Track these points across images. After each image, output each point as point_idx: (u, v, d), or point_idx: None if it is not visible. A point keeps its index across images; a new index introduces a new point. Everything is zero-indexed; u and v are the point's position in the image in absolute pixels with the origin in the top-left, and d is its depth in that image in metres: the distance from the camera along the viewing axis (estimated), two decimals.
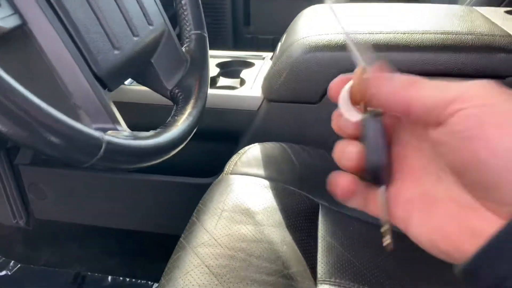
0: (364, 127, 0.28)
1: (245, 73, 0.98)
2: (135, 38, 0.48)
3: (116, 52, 0.44)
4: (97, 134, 0.36)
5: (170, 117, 0.51)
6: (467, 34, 0.76)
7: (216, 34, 1.74)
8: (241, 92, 0.92)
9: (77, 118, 0.40)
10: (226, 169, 0.78)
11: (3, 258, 1.13)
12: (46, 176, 0.99)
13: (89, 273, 1.09)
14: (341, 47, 0.78)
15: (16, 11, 0.36)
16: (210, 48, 1.10)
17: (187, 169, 0.98)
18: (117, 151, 0.38)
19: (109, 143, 0.36)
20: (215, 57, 1.07)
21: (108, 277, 1.08)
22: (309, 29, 0.86)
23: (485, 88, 0.23)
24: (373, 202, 0.29)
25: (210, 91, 0.92)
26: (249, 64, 1.03)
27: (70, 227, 1.07)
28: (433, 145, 0.26)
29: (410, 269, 0.61)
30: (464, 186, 0.24)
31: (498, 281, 0.21)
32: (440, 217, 0.25)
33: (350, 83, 0.28)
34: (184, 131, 0.48)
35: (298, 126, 0.86)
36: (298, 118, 0.85)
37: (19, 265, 1.12)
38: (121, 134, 0.40)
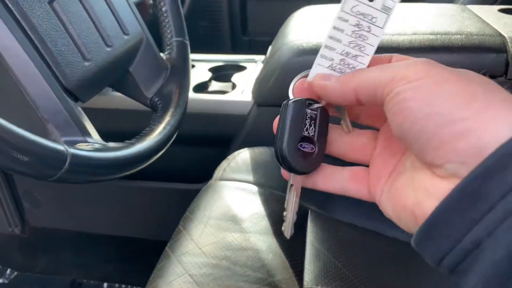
0: (281, 112, 0.29)
1: (236, 77, 0.98)
2: (108, 49, 0.47)
3: (86, 63, 0.44)
4: (61, 147, 0.35)
5: (147, 127, 0.51)
6: (457, 34, 0.75)
7: (213, 37, 1.74)
8: (231, 96, 0.91)
9: (45, 131, 0.39)
10: (215, 175, 0.77)
11: (0, 266, 1.14)
12: (40, 184, 0.99)
13: (85, 280, 1.09)
14: None
15: None
16: (207, 52, 1.09)
17: (181, 175, 0.98)
18: (83, 164, 0.37)
19: (74, 156, 0.36)
20: (208, 61, 1.06)
21: (104, 284, 1.09)
22: (300, 31, 0.85)
23: (417, 67, 0.25)
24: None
25: (200, 96, 0.91)
26: (241, 68, 1.03)
27: (66, 234, 1.07)
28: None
29: (398, 276, 0.60)
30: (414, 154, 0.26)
31: (441, 255, 0.23)
32: (400, 186, 0.27)
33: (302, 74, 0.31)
34: (160, 141, 0.47)
35: None
36: None
37: (15, 273, 1.13)
38: (90, 146, 0.40)
